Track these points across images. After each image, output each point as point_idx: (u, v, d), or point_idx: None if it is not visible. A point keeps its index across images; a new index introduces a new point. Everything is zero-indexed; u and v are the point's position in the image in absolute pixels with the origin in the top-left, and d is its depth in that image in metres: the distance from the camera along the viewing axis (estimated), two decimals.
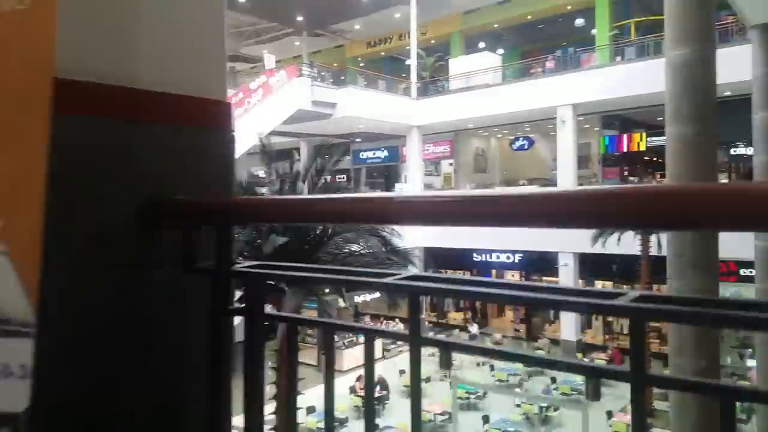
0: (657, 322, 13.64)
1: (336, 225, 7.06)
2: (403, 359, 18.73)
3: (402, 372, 17.49)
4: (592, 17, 23.18)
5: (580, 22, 25.16)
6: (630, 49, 18.92)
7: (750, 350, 17.32)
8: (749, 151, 18.42)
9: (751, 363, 16.59)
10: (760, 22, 10.39)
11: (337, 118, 21.02)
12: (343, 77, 22.76)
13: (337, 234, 6.99)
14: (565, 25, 26.41)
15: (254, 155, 30.60)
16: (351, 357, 19.80)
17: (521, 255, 22.17)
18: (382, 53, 31.60)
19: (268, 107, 18.80)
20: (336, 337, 19.95)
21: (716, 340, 5.94)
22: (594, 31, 23.10)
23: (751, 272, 15.54)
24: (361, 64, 32.05)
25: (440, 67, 26.75)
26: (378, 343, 18.62)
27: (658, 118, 22.06)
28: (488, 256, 23.23)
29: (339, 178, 31.53)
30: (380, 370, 18.52)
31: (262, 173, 38.44)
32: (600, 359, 18.19)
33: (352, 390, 16.28)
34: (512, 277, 25.08)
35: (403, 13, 25.52)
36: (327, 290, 7.19)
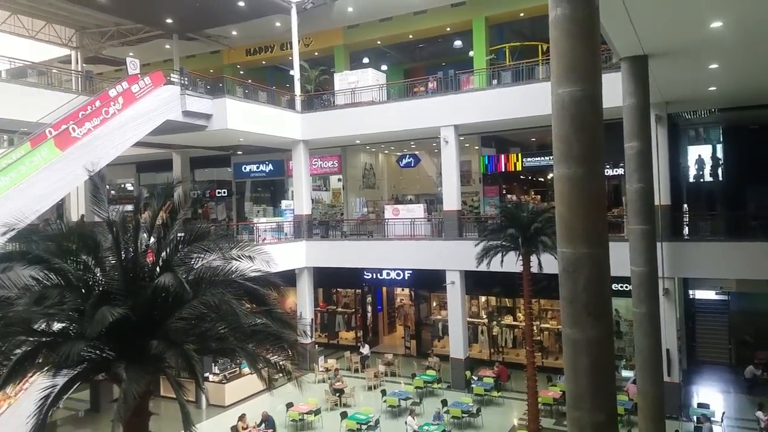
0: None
1: (195, 286, 6.02)
2: (291, 389, 17.59)
3: (289, 405, 16.41)
4: (470, 40, 23.86)
5: (458, 43, 25.83)
6: (506, 73, 19.55)
7: (624, 361, 18.40)
8: (613, 171, 19.89)
9: (626, 374, 17.62)
10: (629, 54, 10.91)
11: (214, 131, 19.53)
12: (221, 84, 21.30)
13: (196, 297, 5.90)
14: (445, 45, 27.03)
15: (122, 166, 28.21)
16: (233, 391, 18.44)
17: (410, 272, 22.07)
18: (263, 62, 30.33)
19: (131, 117, 16.93)
20: (216, 369, 18.63)
21: (614, 390, 5.74)
22: (472, 53, 23.77)
23: (621, 287, 16.63)
24: (241, 72, 30.53)
25: (325, 80, 26.15)
26: (265, 373, 17.41)
27: (532, 139, 23.35)
28: (378, 274, 22.88)
29: (219, 192, 29.75)
30: (265, 404, 17.33)
31: (130, 186, 35.42)
32: (487, 376, 18.44)
33: (234, 431, 14.90)
34: (402, 291, 25.12)
35: (283, 22, 24.57)
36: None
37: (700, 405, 15.73)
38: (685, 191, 20.42)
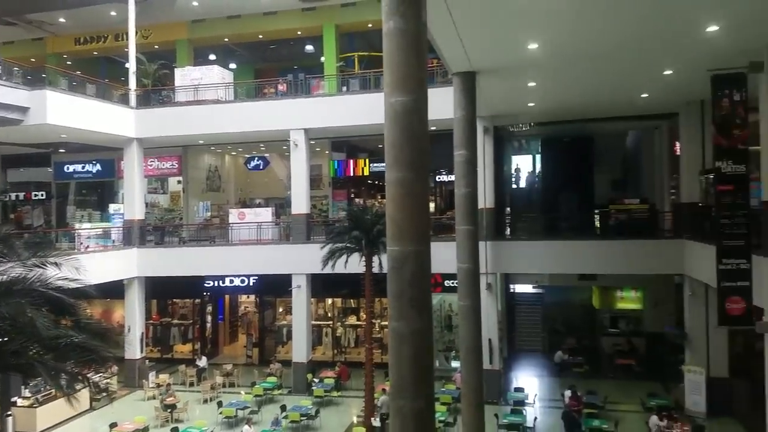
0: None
1: None
2: (117, 408, 16.13)
3: (113, 425, 14.99)
4: (321, 45, 24.11)
5: (310, 48, 25.95)
6: (354, 80, 20.09)
7: (454, 352, 19.83)
8: (450, 177, 21.37)
9: (455, 364, 19.00)
10: (460, 70, 11.84)
11: (31, 125, 17.27)
12: (44, 75, 18.99)
13: None
14: (297, 49, 27.01)
15: None
16: (47, 415, 16.39)
17: (255, 278, 21.50)
18: (95, 52, 27.65)
19: None
20: (28, 393, 16.43)
21: (432, 378, 6.15)
22: (323, 59, 24.04)
23: (453, 283, 17.88)
24: (69, 63, 27.50)
25: (165, 75, 24.53)
26: (85, 393, 15.73)
27: (379, 145, 24.21)
28: (220, 281, 21.92)
29: (36, 195, 26.31)
30: (85, 427, 15.77)
31: None
32: (328, 377, 18.64)
33: None
34: (247, 298, 24.36)
35: (120, 12, 22.65)
36: None
37: (516, 389, 17.49)
38: (509, 196, 22.64)
